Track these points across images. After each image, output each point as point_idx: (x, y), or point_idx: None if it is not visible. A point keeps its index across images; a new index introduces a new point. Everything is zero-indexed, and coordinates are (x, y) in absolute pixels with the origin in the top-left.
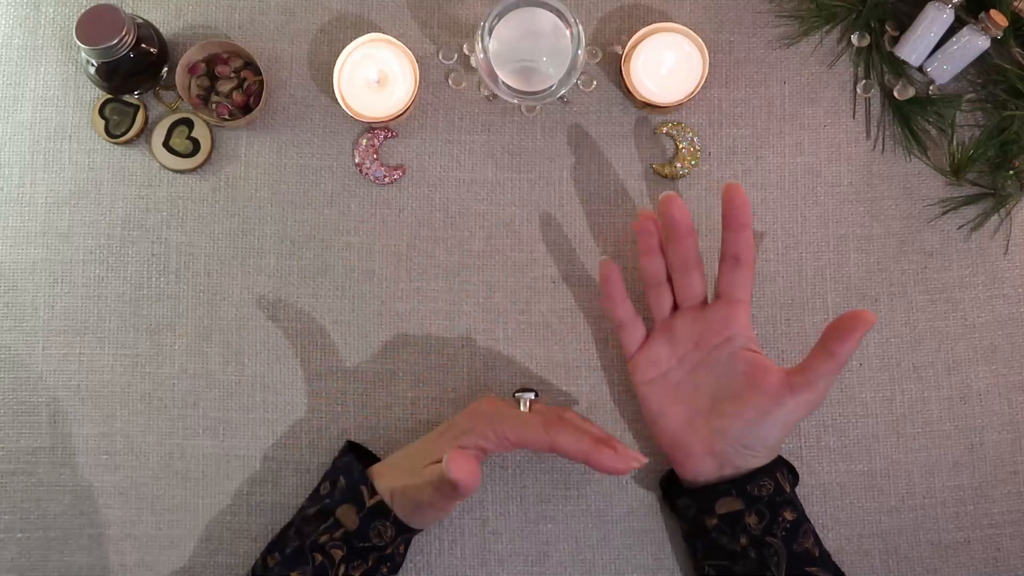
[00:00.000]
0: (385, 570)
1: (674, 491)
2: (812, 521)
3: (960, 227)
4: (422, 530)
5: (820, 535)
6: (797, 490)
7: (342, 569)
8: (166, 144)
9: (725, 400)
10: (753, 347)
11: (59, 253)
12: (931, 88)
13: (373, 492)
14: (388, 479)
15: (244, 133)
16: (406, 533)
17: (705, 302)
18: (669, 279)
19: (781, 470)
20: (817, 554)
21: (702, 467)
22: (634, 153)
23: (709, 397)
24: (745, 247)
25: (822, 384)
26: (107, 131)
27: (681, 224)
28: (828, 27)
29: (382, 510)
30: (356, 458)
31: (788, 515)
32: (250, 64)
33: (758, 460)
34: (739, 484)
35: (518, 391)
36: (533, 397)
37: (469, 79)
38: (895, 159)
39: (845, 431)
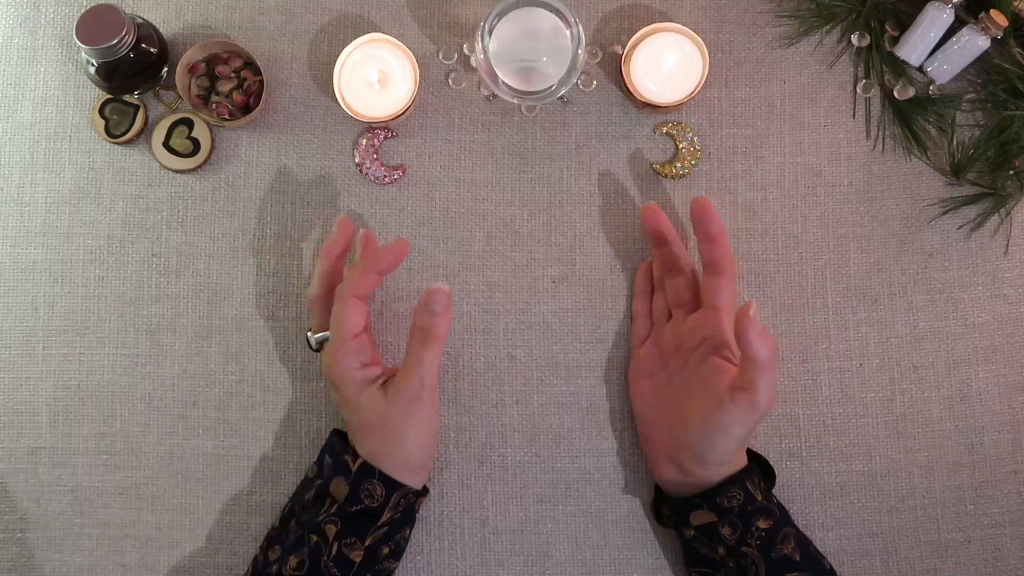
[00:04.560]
0: (387, 551)
1: (660, 499)
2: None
3: (960, 227)
4: (411, 488)
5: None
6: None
7: (335, 547)
8: (166, 144)
9: (685, 406)
10: (727, 354)
11: (59, 253)
12: (931, 88)
13: (356, 456)
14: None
15: (244, 133)
16: (395, 489)
17: (695, 309)
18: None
19: (752, 478)
20: (799, 558)
21: (666, 473)
22: (634, 153)
23: (678, 403)
24: (720, 256)
25: (761, 386)
26: (107, 131)
27: (654, 234)
28: (828, 27)
29: (367, 470)
30: (339, 438)
31: (762, 524)
32: (250, 64)
33: (715, 472)
34: (709, 497)
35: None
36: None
37: (469, 79)
38: (895, 159)
39: (845, 431)
